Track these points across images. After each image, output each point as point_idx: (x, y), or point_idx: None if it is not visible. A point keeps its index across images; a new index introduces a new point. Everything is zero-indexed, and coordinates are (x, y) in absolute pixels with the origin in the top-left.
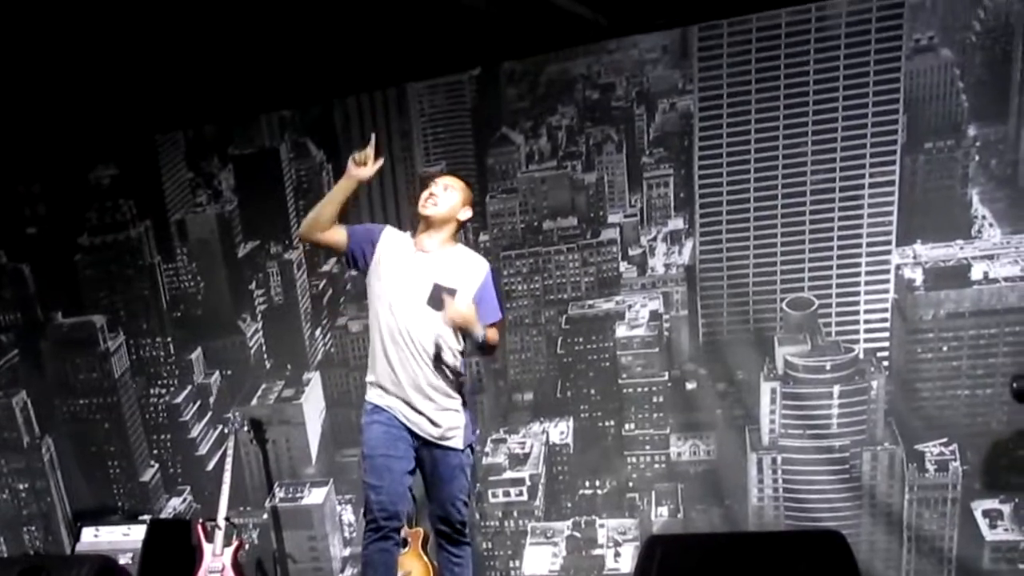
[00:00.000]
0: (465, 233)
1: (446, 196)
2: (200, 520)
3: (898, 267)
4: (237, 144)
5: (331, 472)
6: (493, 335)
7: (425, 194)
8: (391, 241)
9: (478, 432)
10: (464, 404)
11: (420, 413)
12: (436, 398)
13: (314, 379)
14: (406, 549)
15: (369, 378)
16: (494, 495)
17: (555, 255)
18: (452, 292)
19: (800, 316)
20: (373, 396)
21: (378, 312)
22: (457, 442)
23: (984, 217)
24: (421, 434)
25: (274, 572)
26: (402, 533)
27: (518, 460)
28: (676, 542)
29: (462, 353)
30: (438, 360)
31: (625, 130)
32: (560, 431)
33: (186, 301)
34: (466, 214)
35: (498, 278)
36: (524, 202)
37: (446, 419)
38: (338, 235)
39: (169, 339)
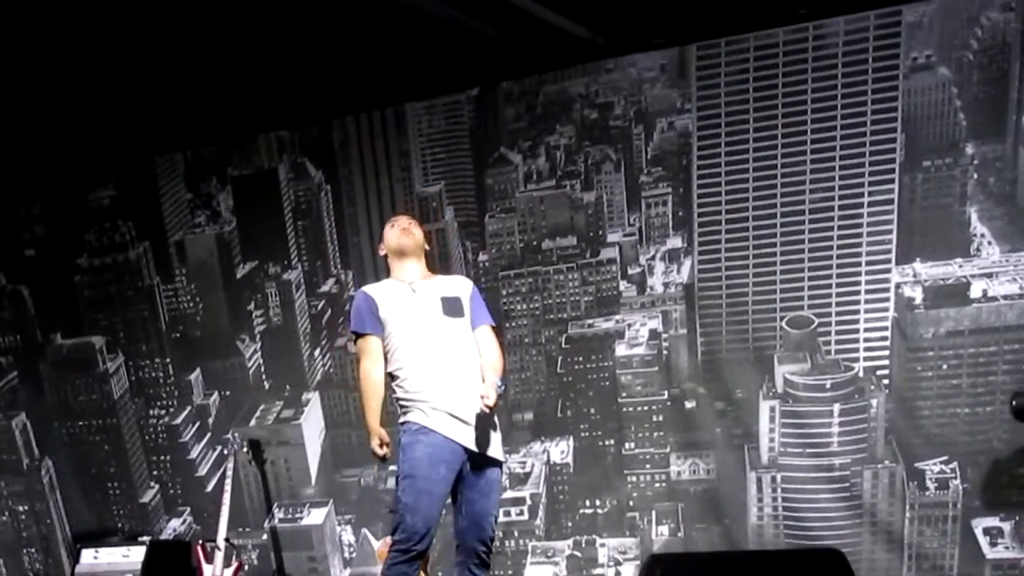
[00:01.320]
0: (464, 253)
1: (415, 228)
2: (200, 541)
3: (898, 285)
4: (236, 165)
5: (330, 492)
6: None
7: (397, 230)
8: (380, 293)
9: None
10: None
11: (467, 424)
12: (478, 410)
13: (313, 399)
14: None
15: (406, 398)
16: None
17: (554, 274)
18: (458, 300)
19: (800, 334)
20: (417, 416)
21: (405, 351)
22: (497, 452)
23: (983, 235)
24: (470, 446)
25: None
26: None
27: (519, 480)
28: (676, 561)
29: None
30: (469, 365)
31: (623, 149)
32: (560, 450)
33: (185, 322)
34: (427, 245)
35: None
36: (523, 221)
37: (486, 428)
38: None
39: (168, 360)
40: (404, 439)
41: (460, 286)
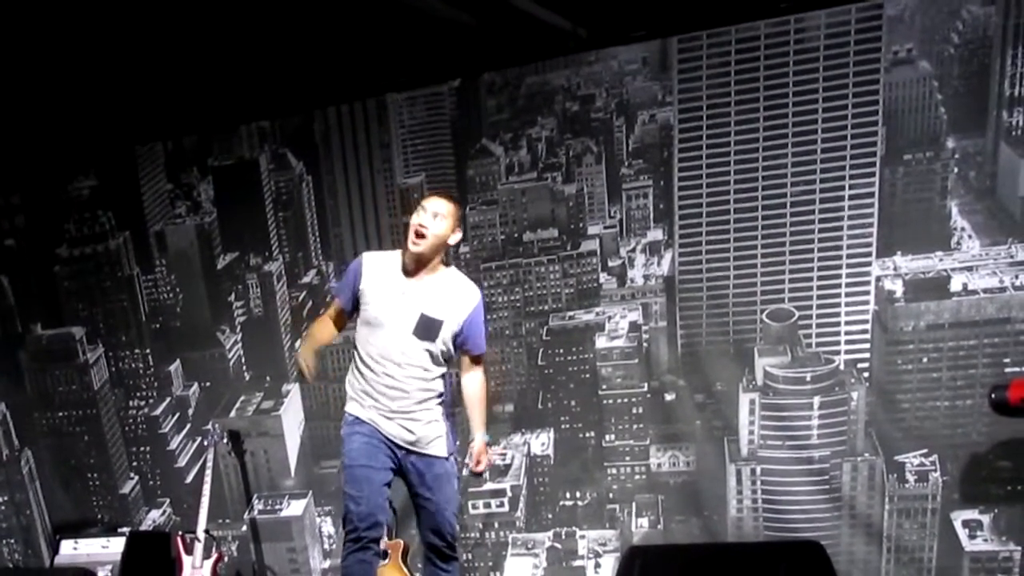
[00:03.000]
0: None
1: (435, 226)
2: (179, 532)
3: (878, 279)
4: (216, 155)
5: (310, 484)
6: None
7: (413, 227)
8: (374, 268)
9: (458, 443)
10: (445, 415)
11: (399, 426)
12: (417, 416)
13: (293, 391)
14: (386, 561)
15: (349, 390)
16: (475, 506)
17: (535, 266)
18: (439, 324)
19: (780, 327)
20: (353, 408)
21: (366, 335)
22: (439, 449)
23: (963, 229)
24: (400, 443)
25: None
26: (382, 545)
27: (499, 471)
28: (656, 553)
29: (442, 376)
30: (420, 385)
31: (605, 142)
32: (541, 442)
33: (165, 313)
34: (456, 238)
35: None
36: (504, 214)
37: (425, 429)
38: (339, 323)
39: (148, 351)
40: (344, 430)
41: (456, 305)
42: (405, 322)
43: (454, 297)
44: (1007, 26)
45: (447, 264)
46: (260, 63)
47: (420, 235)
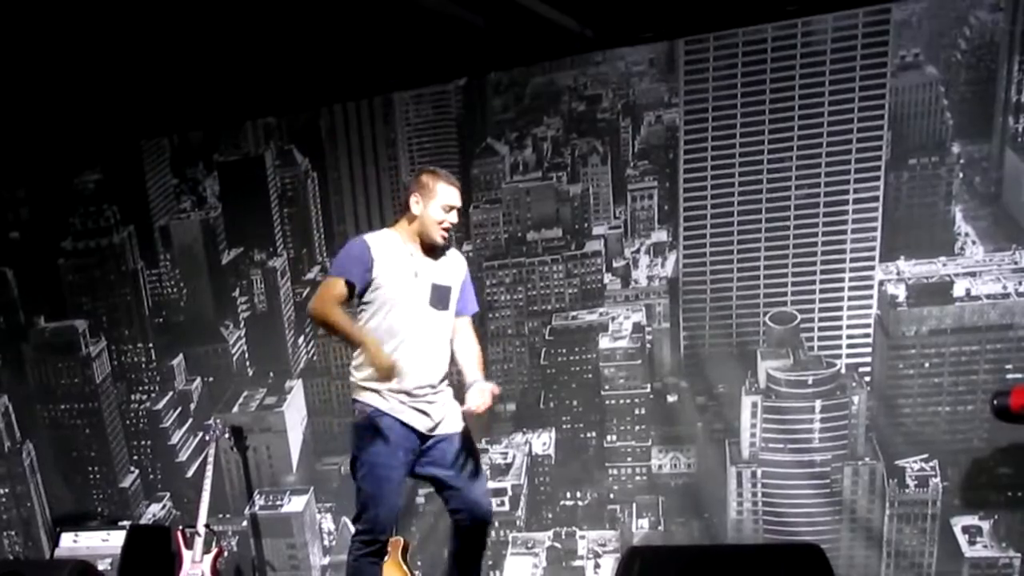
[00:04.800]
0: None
1: (455, 220)
2: (180, 527)
3: (881, 283)
4: (222, 151)
5: (311, 480)
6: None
7: (445, 224)
8: (381, 250)
9: None
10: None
11: (420, 412)
12: (437, 394)
13: (296, 387)
14: (386, 558)
15: (364, 381)
16: None
17: (539, 266)
18: (448, 290)
19: (783, 330)
20: (371, 398)
21: (381, 317)
22: (459, 424)
23: (967, 234)
24: (421, 430)
25: None
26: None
27: (500, 471)
28: (656, 554)
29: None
30: (439, 358)
31: (610, 142)
32: (542, 442)
33: (169, 307)
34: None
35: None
36: (508, 213)
37: (444, 408)
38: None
39: (151, 345)
40: (357, 422)
41: (455, 271)
42: (420, 296)
43: (450, 263)
44: (1014, 32)
45: None
46: (267, 60)
47: (447, 228)
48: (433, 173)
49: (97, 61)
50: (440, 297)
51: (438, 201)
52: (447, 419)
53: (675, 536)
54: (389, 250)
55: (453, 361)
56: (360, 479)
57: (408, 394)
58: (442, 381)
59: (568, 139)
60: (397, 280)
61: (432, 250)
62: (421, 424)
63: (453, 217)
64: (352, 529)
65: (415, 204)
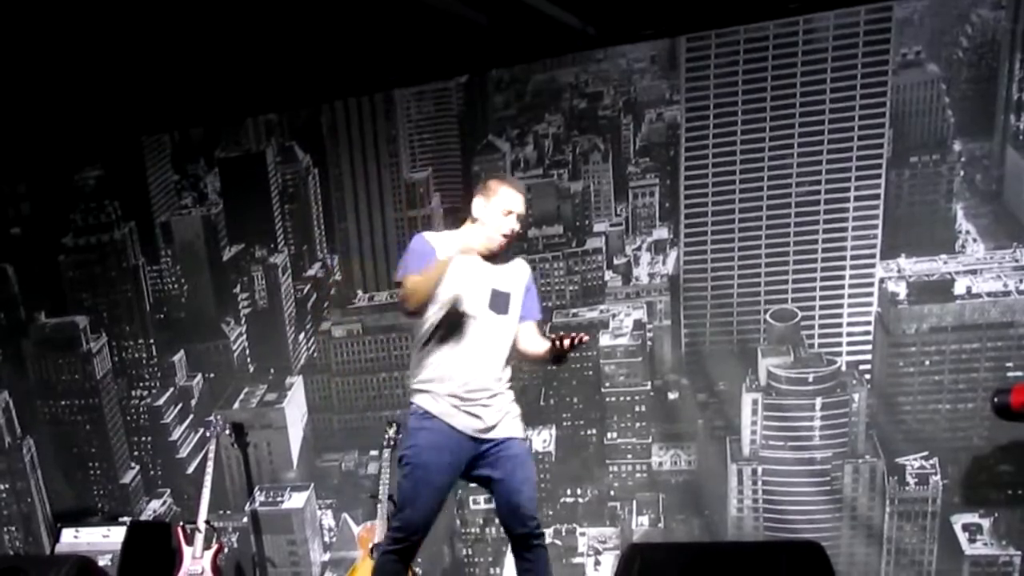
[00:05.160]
0: None
1: (518, 225)
2: (180, 523)
3: (882, 280)
4: (223, 147)
5: (312, 477)
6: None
7: (511, 231)
8: (442, 246)
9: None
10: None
11: (473, 415)
12: (493, 398)
13: (297, 384)
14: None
15: (418, 383)
16: (475, 502)
17: (540, 263)
18: (507, 297)
19: (783, 328)
20: (423, 400)
21: (437, 318)
22: (515, 430)
23: (968, 232)
24: (472, 433)
25: None
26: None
27: None
28: (656, 551)
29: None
30: (497, 362)
31: (612, 139)
32: (543, 439)
33: (169, 303)
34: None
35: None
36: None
37: (499, 413)
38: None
39: (152, 341)
40: (410, 423)
41: (516, 277)
42: (480, 298)
43: (512, 269)
44: (1016, 31)
45: None
46: (268, 56)
47: (513, 231)
48: (499, 178)
49: (98, 57)
50: (500, 302)
51: (500, 205)
52: (503, 424)
53: (675, 533)
54: (444, 246)
55: (521, 361)
56: (402, 477)
57: (461, 397)
58: (499, 383)
59: (569, 136)
60: (455, 277)
61: (493, 256)
62: (472, 427)
63: (514, 222)
64: (354, 526)
65: (477, 207)
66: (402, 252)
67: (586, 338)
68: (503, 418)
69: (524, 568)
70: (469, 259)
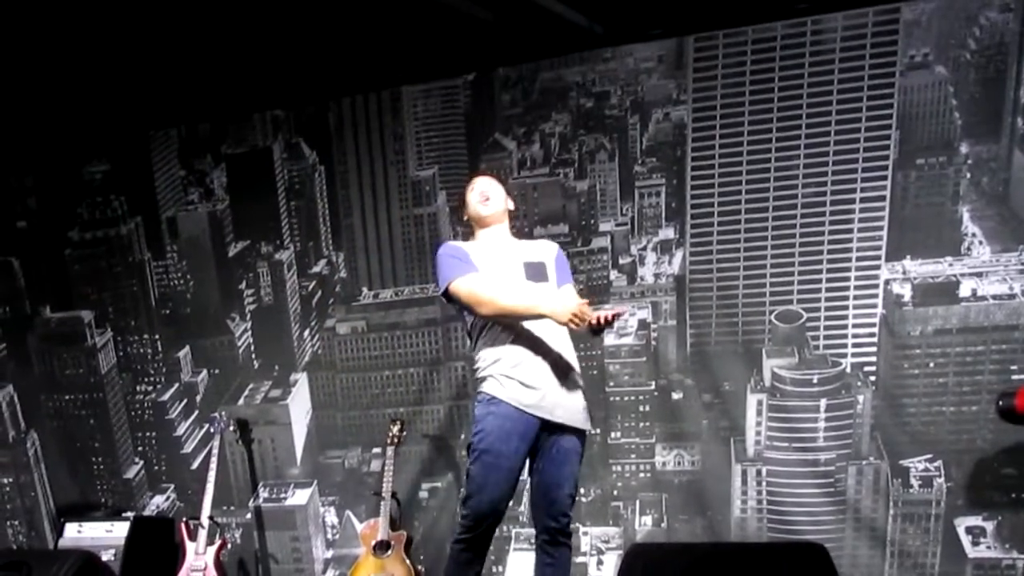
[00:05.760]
0: (456, 238)
1: (494, 191)
2: (183, 518)
3: (887, 282)
4: (230, 143)
5: (315, 473)
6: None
7: (477, 196)
8: (465, 246)
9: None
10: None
11: (542, 392)
12: (562, 378)
13: (301, 380)
14: (389, 552)
15: (482, 366)
16: None
17: None
18: (541, 265)
19: (788, 329)
20: (489, 386)
21: None
22: (581, 422)
23: (974, 235)
24: (540, 415)
25: (256, 572)
26: (386, 536)
27: None
28: (659, 551)
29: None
30: (556, 329)
31: (618, 139)
32: None
33: (175, 299)
34: (511, 204)
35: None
36: (515, 208)
37: (570, 399)
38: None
39: (157, 336)
40: (477, 410)
41: (545, 250)
42: (516, 274)
43: (538, 244)
44: None
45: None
46: (276, 52)
47: (485, 197)
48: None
49: (106, 52)
50: (535, 271)
51: (471, 190)
52: (571, 410)
53: (678, 534)
54: (471, 245)
55: None
56: (470, 464)
57: (525, 380)
58: (563, 359)
59: (576, 135)
60: (491, 264)
61: (509, 240)
62: (538, 407)
63: (481, 189)
64: (357, 523)
65: (465, 216)
66: (408, 251)
67: (625, 312)
68: (571, 406)
69: (545, 563)
70: (497, 243)
